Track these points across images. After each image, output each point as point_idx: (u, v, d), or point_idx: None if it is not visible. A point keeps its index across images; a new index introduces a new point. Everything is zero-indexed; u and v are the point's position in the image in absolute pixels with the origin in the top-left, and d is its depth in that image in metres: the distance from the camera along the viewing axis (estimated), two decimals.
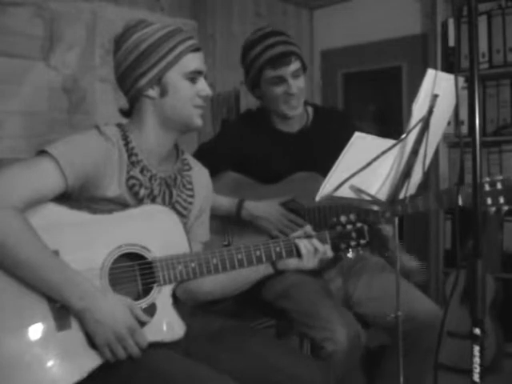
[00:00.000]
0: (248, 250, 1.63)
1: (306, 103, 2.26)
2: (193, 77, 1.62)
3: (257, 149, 2.20)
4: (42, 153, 1.49)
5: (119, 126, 1.64)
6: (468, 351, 1.24)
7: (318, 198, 1.64)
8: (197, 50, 1.64)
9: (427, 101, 1.59)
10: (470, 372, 1.24)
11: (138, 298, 1.54)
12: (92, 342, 1.45)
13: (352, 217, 1.71)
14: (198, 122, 1.65)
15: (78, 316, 1.43)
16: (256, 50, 2.12)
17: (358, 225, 1.71)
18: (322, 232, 1.70)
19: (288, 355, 1.64)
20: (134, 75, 1.60)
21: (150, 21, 1.65)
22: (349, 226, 1.70)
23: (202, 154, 2.22)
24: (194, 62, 1.62)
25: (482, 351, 1.19)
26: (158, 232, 1.58)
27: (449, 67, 3.20)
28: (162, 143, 1.66)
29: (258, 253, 1.63)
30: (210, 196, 1.86)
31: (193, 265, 1.58)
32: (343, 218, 1.70)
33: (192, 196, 1.74)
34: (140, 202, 1.60)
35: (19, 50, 2.49)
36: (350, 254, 1.71)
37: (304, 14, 4.00)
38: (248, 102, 3.48)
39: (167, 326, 1.56)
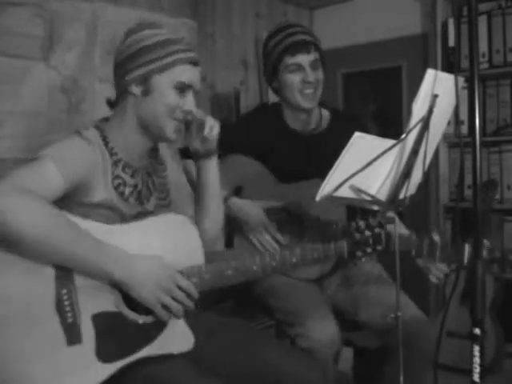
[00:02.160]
0: (264, 260, 1.63)
1: (322, 105, 2.28)
2: (182, 88, 1.60)
3: (267, 144, 2.19)
4: (35, 158, 1.49)
5: (97, 127, 1.64)
6: (468, 351, 1.24)
7: (317, 198, 1.63)
8: (195, 64, 1.64)
9: (427, 101, 1.59)
10: (470, 372, 1.24)
11: (149, 310, 1.53)
12: (101, 355, 1.44)
13: (372, 221, 1.68)
14: (172, 135, 1.63)
15: (122, 286, 1.46)
16: (277, 38, 2.15)
17: (377, 230, 1.69)
18: (340, 242, 1.68)
19: (287, 354, 1.65)
20: (124, 69, 1.61)
21: (150, 20, 1.66)
22: (367, 232, 1.68)
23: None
24: (186, 74, 1.61)
25: (482, 351, 1.19)
26: (173, 242, 1.57)
27: (449, 67, 3.20)
28: (141, 142, 1.66)
29: (273, 263, 1.63)
30: (179, 165, 1.88)
31: (207, 276, 1.58)
32: (362, 223, 1.68)
33: (164, 170, 1.78)
34: (125, 201, 1.61)
35: (19, 50, 2.48)
36: (363, 260, 1.70)
37: (304, 14, 4.00)
38: (248, 102, 3.48)
39: (177, 338, 1.55)
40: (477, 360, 1.17)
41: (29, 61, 2.52)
